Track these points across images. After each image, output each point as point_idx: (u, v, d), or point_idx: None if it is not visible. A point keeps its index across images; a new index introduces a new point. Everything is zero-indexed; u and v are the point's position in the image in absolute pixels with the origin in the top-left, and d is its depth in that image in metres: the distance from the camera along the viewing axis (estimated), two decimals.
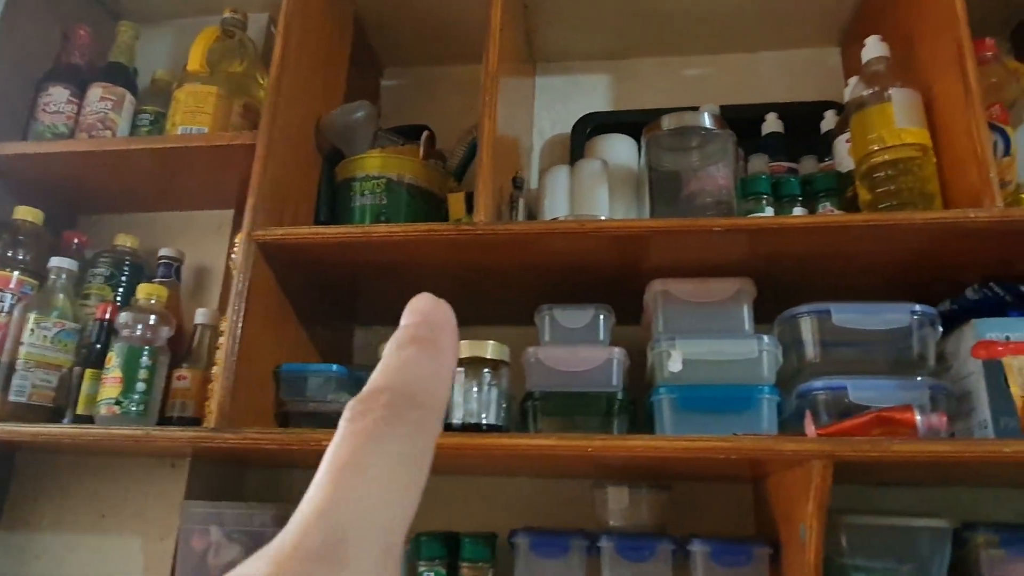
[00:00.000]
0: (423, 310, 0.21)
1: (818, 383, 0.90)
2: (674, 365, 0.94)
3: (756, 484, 1.09)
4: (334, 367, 0.97)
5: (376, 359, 0.22)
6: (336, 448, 0.18)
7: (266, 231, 0.92)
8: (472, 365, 0.92)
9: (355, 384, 1.00)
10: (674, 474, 1.01)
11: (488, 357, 0.92)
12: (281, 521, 1.02)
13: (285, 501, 1.15)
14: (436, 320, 0.21)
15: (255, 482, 1.17)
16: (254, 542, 0.96)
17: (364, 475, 0.18)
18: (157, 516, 1.04)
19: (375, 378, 0.20)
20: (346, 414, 0.19)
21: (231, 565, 0.89)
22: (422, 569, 0.96)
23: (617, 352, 0.95)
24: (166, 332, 0.99)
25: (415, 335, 0.21)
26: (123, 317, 0.95)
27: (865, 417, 0.84)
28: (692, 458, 0.79)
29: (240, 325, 0.88)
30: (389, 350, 0.21)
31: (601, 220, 1.00)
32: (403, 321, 0.21)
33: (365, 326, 1.27)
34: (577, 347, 0.97)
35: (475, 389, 0.91)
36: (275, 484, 1.18)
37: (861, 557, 0.91)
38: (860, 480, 1.04)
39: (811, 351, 0.93)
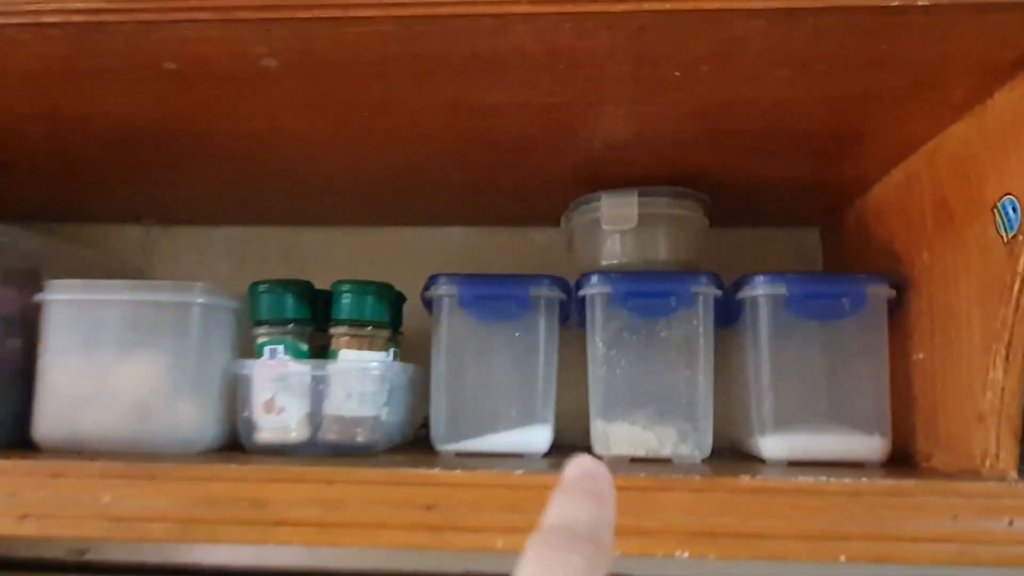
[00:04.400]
0: (585, 465, 0.24)
1: None
2: None
3: (829, 222, 0.67)
4: None
5: None
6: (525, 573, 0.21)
7: None
8: None
9: None
10: (707, 174, 0.58)
11: None
12: (48, 260, 0.54)
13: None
14: (598, 474, 0.24)
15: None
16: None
17: None
18: None
19: (553, 516, 0.23)
20: (531, 545, 0.21)
21: None
22: (261, 340, 0.53)
23: None
24: None
25: (582, 486, 0.24)
26: None
27: None
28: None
29: None
30: (560, 496, 0.23)
31: None
32: (567, 474, 0.24)
33: None
34: None
35: None
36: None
37: None
38: None
39: None
